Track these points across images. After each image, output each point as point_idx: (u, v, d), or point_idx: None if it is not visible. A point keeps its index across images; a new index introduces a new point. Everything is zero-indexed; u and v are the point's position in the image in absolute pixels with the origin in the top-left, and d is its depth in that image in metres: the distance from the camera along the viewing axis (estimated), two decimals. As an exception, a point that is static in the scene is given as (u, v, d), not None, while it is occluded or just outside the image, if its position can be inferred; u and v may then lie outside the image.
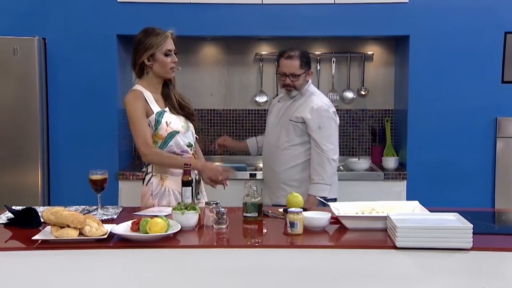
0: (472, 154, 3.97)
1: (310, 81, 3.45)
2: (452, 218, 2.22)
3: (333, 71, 4.42)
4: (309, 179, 3.35)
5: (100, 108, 3.97)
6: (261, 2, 3.94)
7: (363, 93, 4.44)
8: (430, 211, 2.41)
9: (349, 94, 4.42)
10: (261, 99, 4.47)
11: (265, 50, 4.44)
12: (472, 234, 2.05)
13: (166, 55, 2.89)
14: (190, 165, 2.80)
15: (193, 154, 2.99)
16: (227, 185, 2.94)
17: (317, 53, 4.41)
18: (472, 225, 2.07)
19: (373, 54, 4.43)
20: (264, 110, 4.47)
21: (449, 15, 3.93)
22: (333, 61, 4.41)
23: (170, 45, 2.90)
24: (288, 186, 3.34)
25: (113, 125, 3.99)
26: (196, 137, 3.07)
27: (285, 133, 3.39)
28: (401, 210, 2.45)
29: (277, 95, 4.37)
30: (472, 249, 2.05)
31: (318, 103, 3.37)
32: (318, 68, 4.42)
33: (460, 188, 3.93)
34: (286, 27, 3.99)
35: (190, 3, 3.93)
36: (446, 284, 1.87)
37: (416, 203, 2.53)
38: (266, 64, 4.45)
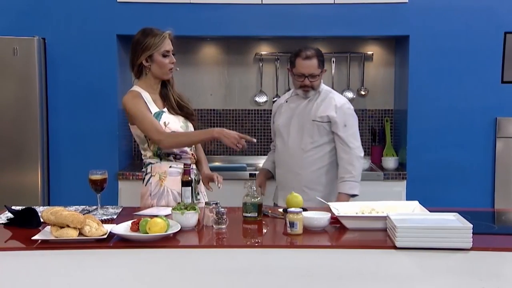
0: (472, 154, 3.98)
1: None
2: (452, 218, 2.22)
3: (333, 71, 4.42)
4: (332, 182, 3.28)
5: (100, 108, 3.97)
6: (260, 2, 3.94)
7: (363, 93, 4.45)
8: (430, 211, 2.41)
9: (349, 94, 4.42)
10: (261, 99, 4.47)
11: (265, 50, 4.44)
12: (472, 234, 2.05)
13: (164, 56, 2.88)
14: (190, 164, 2.80)
15: (192, 154, 2.99)
16: (220, 186, 2.90)
17: (317, 53, 4.41)
18: (472, 225, 2.07)
19: (373, 54, 4.43)
20: (264, 110, 4.47)
21: (449, 15, 3.93)
22: (333, 61, 4.41)
23: (168, 46, 2.89)
24: (310, 190, 3.23)
25: (113, 125, 3.99)
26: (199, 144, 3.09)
27: (308, 134, 3.26)
28: (401, 210, 2.45)
29: (277, 95, 4.39)
30: (472, 249, 2.05)
31: (340, 100, 3.31)
32: (318, 68, 4.42)
33: (460, 188, 3.93)
34: (285, 27, 3.99)
35: (190, 3, 3.93)
36: (446, 284, 1.87)
37: (415, 203, 2.53)
38: (266, 64, 4.45)
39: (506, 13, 3.91)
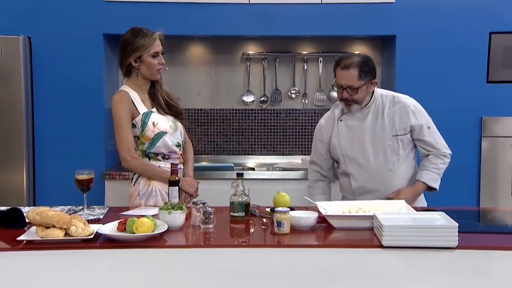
0: (457, 154, 3.97)
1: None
2: (438, 217, 2.23)
3: (320, 70, 4.43)
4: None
5: (87, 108, 3.95)
6: (248, 2, 3.94)
7: (350, 92, 4.46)
8: (416, 210, 2.43)
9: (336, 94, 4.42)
10: (248, 98, 4.46)
11: (252, 49, 4.44)
12: (457, 233, 2.06)
13: (154, 57, 2.86)
14: (177, 164, 2.79)
15: (181, 154, 2.98)
16: (197, 195, 2.92)
17: (304, 52, 4.42)
18: (457, 224, 2.08)
19: (360, 53, 4.44)
20: (252, 109, 4.47)
21: (435, 15, 3.96)
22: (320, 60, 4.42)
23: (157, 47, 2.87)
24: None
25: (99, 125, 3.97)
26: (191, 144, 3.10)
27: (391, 152, 2.89)
28: (388, 209, 2.46)
29: (264, 95, 4.38)
30: (457, 247, 2.06)
31: (409, 101, 2.95)
32: (305, 68, 4.43)
33: (445, 187, 3.92)
34: (273, 26, 3.99)
35: (177, 2, 3.92)
36: (432, 282, 1.89)
37: (402, 202, 2.55)
38: (253, 63, 4.45)
39: (492, 13, 3.94)
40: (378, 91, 2.97)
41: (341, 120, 2.97)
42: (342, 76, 2.83)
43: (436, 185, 2.92)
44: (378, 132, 2.90)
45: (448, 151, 2.98)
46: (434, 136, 2.95)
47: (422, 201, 3.01)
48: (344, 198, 3.05)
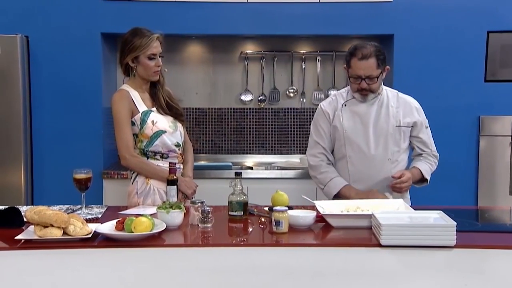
0: (455, 153, 4.01)
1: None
2: (436, 216, 2.24)
3: (318, 69, 4.43)
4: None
5: (85, 107, 3.94)
6: (246, 1, 3.94)
7: (348, 91, 4.46)
8: (414, 209, 2.43)
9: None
10: (246, 97, 4.46)
11: (250, 48, 4.44)
12: (455, 232, 2.07)
13: (150, 58, 2.86)
14: (175, 164, 2.79)
15: (180, 154, 2.98)
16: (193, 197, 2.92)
17: (302, 51, 4.42)
18: (455, 223, 2.09)
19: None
20: (250, 108, 4.47)
21: (433, 14, 3.96)
22: (318, 59, 4.42)
23: (155, 48, 2.86)
24: (391, 194, 2.92)
25: (97, 124, 3.96)
26: (191, 145, 3.11)
27: (393, 142, 2.90)
28: (386, 208, 2.46)
29: (262, 93, 4.39)
30: (455, 246, 2.07)
31: (413, 100, 3.01)
32: (303, 67, 4.43)
33: (443, 186, 3.95)
34: (271, 25, 3.99)
35: (175, 1, 3.92)
36: (430, 281, 1.89)
37: (400, 201, 2.55)
38: (251, 62, 4.45)
39: (489, 12, 3.95)
40: (384, 87, 2.99)
41: (345, 105, 2.95)
42: (360, 66, 2.80)
43: (428, 177, 2.95)
44: (382, 120, 2.91)
45: (437, 155, 3.05)
46: (429, 136, 3.02)
47: (407, 199, 3.01)
48: None
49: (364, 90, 2.86)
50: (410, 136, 2.97)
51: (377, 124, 2.91)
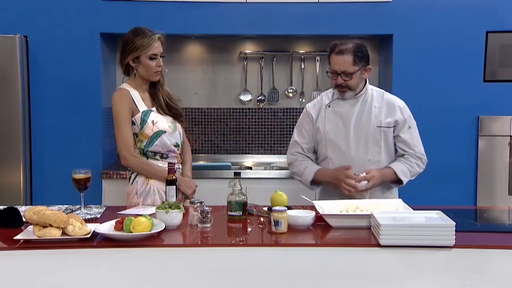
0: (454, 153, 4.01)
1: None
2: (435, 216, 2.24)
3: (317, 69, 4.43)
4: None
5: (84, 107, 3.94)
6: (245, 1, 3.94)
7: (347, 91, 4.46)
8: (414, 209, 2.43)
9: (333, 93, 4.43)
10: (246, 97, 4.46)
11: (249, 48, 4.44)
12: (454, 232, 2.07)
13: (151, 59, 2.86)
14: (174, 164, 2.79)
15: (179, 154, 2.98)
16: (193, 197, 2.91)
17: (301, 51, 4.42)
18: (454, 223, 2.09)
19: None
20: (249, 108, 4.47)
21: (432, 14, 3.96)
22: (317, 59, 4.42)
23: (156, 49, 2.86)
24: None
25: (96, 124, 3.96)
26: (189, 145, 3.10)
27: (374, 143, 2.91)
28: (385, 208, 2.46)
29: (261, 94, 4.39)
30: (454, 246, 2.07)
31: (400, 101, 2.98)
32: (303, 67, 4.43)
33: (442, 186, 3.96)
34: (270, 25, 3.99)
35: (174, 1, 3.91)
36: (429, 281, 1.89)
37: (399, 201, 2.55)
38: (251, 62, 4.45)
39: (488, 12, 3.95)
40: (370, 86, 2.99)
41: (329, 106, 2.98)
42: (336, 61, 2.84)
43: (404, 178, 2.89)
44: (363, 121, 2.91)
45: (425, 157, 2.98)
46: (412, 137, 2.95)
47: (394, 195, 3.01)
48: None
49: (340, 86, 2.87)
50: (393, 136, 2.95)
51: (358, 125, 2.92)
